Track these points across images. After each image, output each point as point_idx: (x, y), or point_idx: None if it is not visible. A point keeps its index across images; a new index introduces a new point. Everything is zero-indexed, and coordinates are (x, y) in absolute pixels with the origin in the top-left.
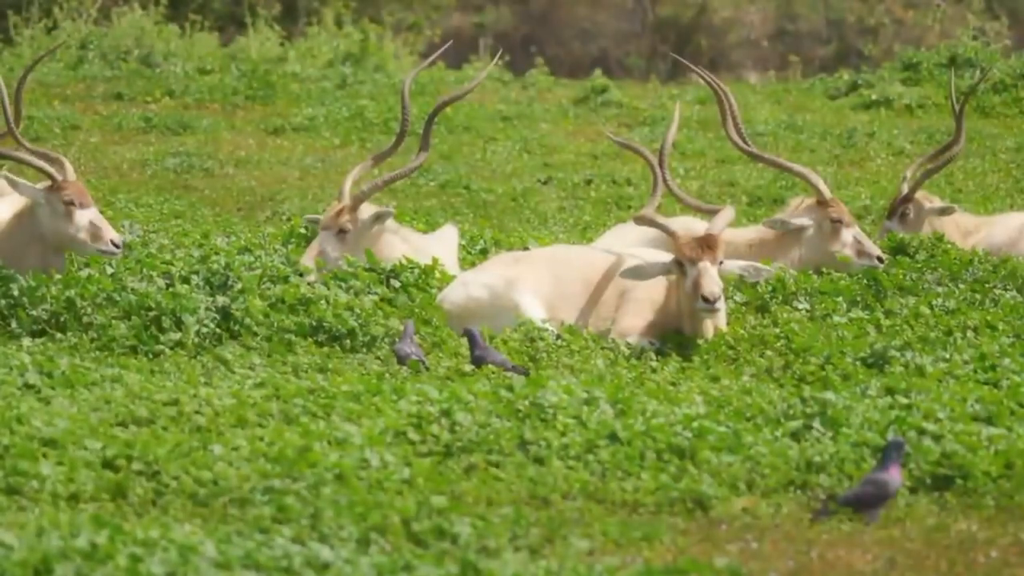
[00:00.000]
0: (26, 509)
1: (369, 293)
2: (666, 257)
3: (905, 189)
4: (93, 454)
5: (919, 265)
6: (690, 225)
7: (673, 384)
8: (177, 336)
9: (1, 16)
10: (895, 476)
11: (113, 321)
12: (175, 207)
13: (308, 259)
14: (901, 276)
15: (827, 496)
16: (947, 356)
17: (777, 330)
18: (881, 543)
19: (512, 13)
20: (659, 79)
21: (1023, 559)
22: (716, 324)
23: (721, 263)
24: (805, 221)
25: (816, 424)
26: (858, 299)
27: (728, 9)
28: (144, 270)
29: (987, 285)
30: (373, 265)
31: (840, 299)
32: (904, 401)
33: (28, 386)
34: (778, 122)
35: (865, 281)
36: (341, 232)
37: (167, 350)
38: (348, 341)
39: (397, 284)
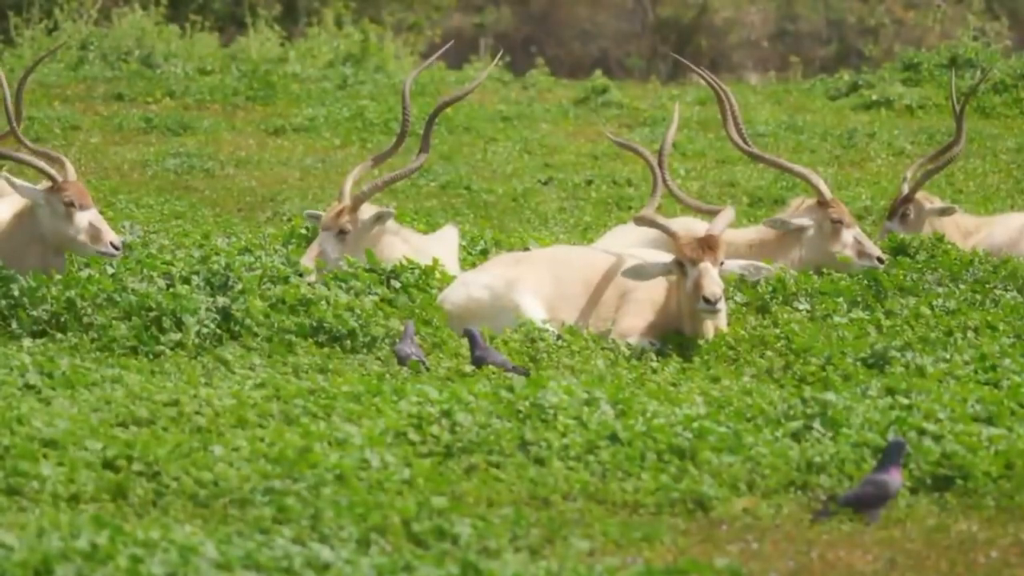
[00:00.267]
0: (26, 510)
1: (369, 294)
2: (667, 258)
3: (905, 190)
4: (93, 455)
5: (919, 266)
6: (690, 226)
7: (674, 385)
8: (177, 337)
9: (2, 17)
10: (895, 477)
11: (113, 322)
12: (175, 208)
13: (308, 260)
14: (902, 276)
15: (827, 496)
16: (947, 356)
17: (777, 331)
18: (881, 543)
19: (512, 13)
20: (659, 80)
21: (1023, 559)
22: (717, 325)
23: (722, 264)
24: (805, 221)
25: (816, 425)
26: (859, 299)
27: (728, 10)
28: (144, 271)
29: (987, 286)
30: (373, 266)
31: (841, 299)
32: (904, 402)
33: (28, 387)
34: (778, 123)
35: (866, 281)
36: (341, 233)
37: (167, 351)
38: (348, 342)
39: (397, 285)
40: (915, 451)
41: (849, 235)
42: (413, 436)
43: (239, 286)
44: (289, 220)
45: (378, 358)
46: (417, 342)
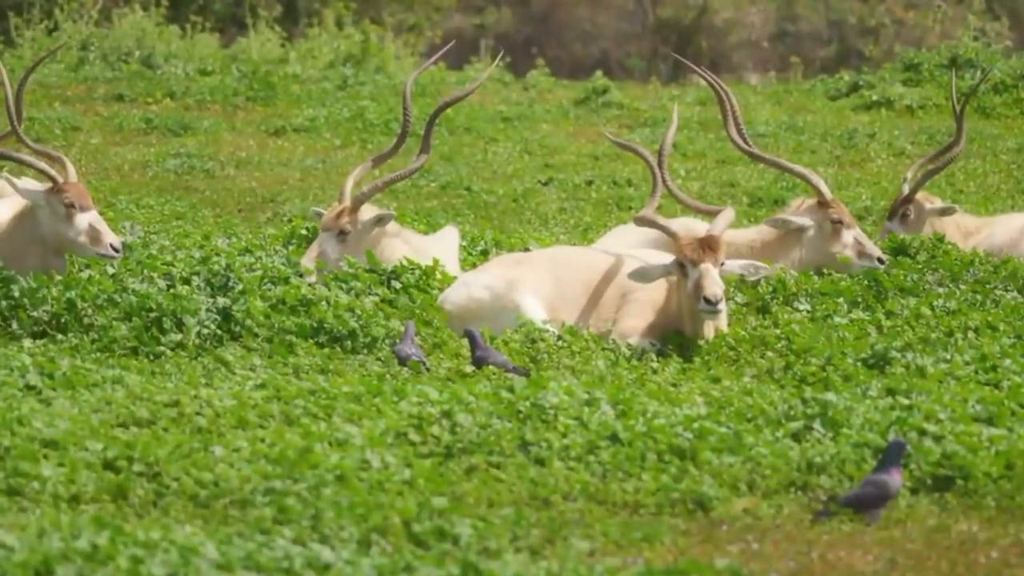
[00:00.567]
0: (27, 510)
1: (370, 294)
2: (667, 258)
3: (906, 190)
4: (94, 455)
5: (920, 266)
6: (691, 226)
7: (674, 385)
8: (178, 337)
9: (2, 17)
10: (896, 477)
11: (114, 322)
12: (176, 208)
13: (308, 260)
14: (902, 277)
15: (828, 497)
16: (948, 357)
17: (778, 331)
18: (882, 544)
19: (513, 14)
20: (660, 80)
21: (1023, 560)
22: (717, 325)
23: (722, 264)
24: (806, 222)
25: (817, 425)
26: (859, 300)
27: (729, 10)
28: (145, 271)
29: (988, 286)
30: (374, 266)
31: (841, 300)
32: (905, 402)
33: (29, 387)
34: (779, 123)
35: (866, 282)
36: (342, 234)
37: (168, 351)
38: (349, 342)
39: (398, 285)
40: (916, 451)
41: (849, 235)
42: (414, 437)
43: (239, 287)
44: (289, 221)
45: (379, 359)
46: (418, 343)
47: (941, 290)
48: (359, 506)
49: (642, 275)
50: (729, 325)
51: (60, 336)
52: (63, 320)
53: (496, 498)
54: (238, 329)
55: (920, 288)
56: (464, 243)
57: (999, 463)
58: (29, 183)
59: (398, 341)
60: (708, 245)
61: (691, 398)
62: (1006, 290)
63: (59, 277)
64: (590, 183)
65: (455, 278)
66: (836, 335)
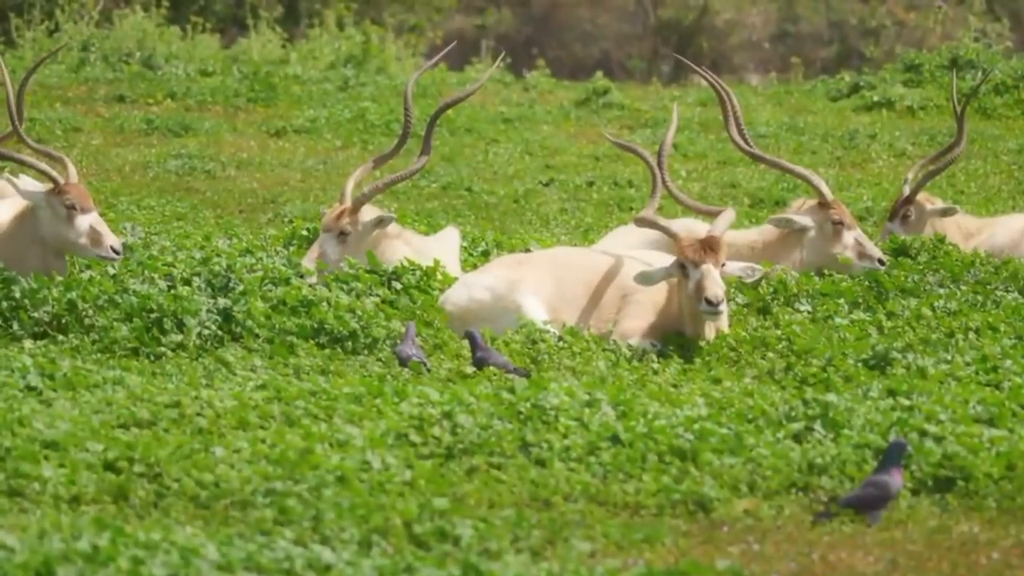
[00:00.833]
0: (28, 511)
1: (371, 295)
2: (668, 259)
3: (907, 191)
4: (95, 456)
5: (921, 267)
6: (691, 227)
7: (675, 386)
8: (179, 338)
9: (3, 18)
10: (896, 478)
11: (115, 323)
12: (177, 209)
13: (309, 261)
14: (903, 278)
15: (829, 498)
16: (949, 358)
17: (779, 332)
18: (883, 545)
19: (514, 15)
20: (661, 81)
21: None
22: (718, 326)
23: (723, 265)
24: (807, 222)
25: (818, 426)
26: (860, 301)
27: (730, 11)
28: (146, 272)
29: (989, 287)
30: (374, 267)
31: (842, 301)
32: (906, 403)
33: (30, 388)
34: (780, 124)
35: (867, 283)
36: (342, 234)
37: (169, 352)
38: (350, 343)
39: (399, 286)
40: (916, 452)
41: (850, 236)
42: (414, 438)
43: (240, 287)
44: (290, 222)
45: (379, 359)
46: (418, 343)
47: (942, 291)
48: (360, 507)
49: (646, 278)
50: (730, 326)
51: (61, 337)
52: (64, 321)
53: (497, 499)
54: (239, 330)
55: (921, 289)
56: (465, 244)
57: (1000, 464)
58: (28, 182)
59: (399, 342)
60: (709, 246)
61: (692, 399)
62: (1007, 291)
63: (60, 278)
64: (591, 184)
65: (456, 279)
66: (837, 336)
